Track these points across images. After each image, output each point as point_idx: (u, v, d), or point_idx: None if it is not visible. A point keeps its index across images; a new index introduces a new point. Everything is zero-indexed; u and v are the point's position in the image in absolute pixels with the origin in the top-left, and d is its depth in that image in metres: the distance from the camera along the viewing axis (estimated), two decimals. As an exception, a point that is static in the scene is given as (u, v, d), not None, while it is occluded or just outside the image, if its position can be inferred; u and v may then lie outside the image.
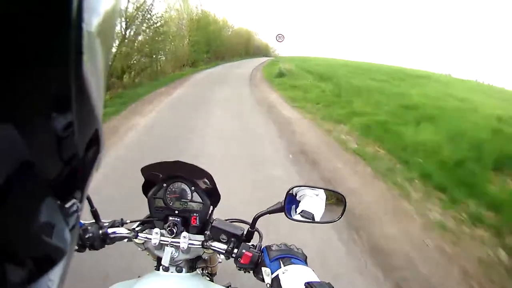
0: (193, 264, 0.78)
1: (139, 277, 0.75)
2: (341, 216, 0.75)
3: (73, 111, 0.15)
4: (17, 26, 0.12)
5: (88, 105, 0.16)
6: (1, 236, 0.14)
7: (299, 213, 0.75)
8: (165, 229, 0.73)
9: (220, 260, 0.81)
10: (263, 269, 0.65)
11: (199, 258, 0.78)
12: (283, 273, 0.61)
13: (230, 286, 0.89)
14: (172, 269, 0.74)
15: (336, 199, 0.78)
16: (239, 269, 0.69)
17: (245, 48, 39.62)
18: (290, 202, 0.75)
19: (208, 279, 0.89)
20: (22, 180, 0.14)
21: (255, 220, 0.73)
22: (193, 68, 17.48)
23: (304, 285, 0.55)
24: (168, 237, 0.72)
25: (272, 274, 0.63)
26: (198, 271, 0.82)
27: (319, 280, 0.57)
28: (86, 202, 0.47)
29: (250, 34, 45.34)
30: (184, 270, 0.74)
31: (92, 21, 0.15)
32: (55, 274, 0.17)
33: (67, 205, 0.18)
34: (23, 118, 0.13)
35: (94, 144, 0.19)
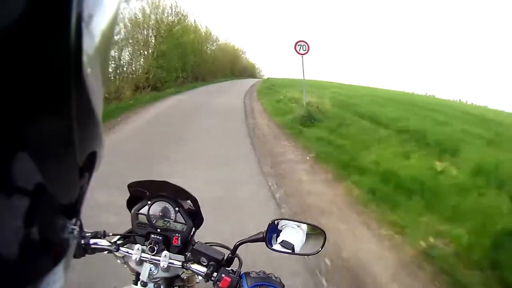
0: (171, 282, 0.83)
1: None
2: (321, 249, 0.81)
3: (72, 110, 0.16)
4: (16, 26, 0.13)
5: (87, 105, 0.17)
6: (1, 237, 0.15)
7: (279, 243, 0.81)
8: (146, 245, 0.78)
9: (198, 281, 0.82)
10: None
11: (177, 277, 0.84)
12: None
13: None
14: (150, 285, 0.79)
15: (316, 233, 0.84)
16: None
17: (230, 67, 36.22)
18: (271, 231, 0.82)
19: None
20: (21, 181, 0.15)
21: (235, 247, 0.80)
22: (156, 92, 12.17)
23: None
24: (149, 254, 0.78)
25: None
26: None
27: None
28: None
29: (236, 51, 42.03)
30: (162, 287, 0.80)
31: (92, 22, 0.16)
32: (55, 273, 0.19)
33: (67, 206, 0.19)
34: (22, 117, 0.14)
35: (94, 144, 0.20)
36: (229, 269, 0.76)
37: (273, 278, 0.72)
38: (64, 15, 0.14)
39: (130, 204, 0.85)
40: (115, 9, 0.19)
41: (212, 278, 0.75)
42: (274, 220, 0.81)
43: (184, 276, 0.82)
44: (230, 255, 0.79)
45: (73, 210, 0.20)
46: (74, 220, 0.20)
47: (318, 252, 0.81)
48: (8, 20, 0.12)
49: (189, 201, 0.82)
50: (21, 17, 0.13)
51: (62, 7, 0.14)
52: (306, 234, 0.83)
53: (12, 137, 0.14)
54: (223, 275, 0.73)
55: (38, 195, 0.16)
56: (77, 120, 0.16)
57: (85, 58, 0.15)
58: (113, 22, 0.19)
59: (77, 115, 0.16)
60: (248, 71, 46.35)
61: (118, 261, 0.83)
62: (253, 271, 0.74)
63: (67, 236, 0.19)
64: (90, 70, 0.16)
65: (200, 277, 0.77)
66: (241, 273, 0.75)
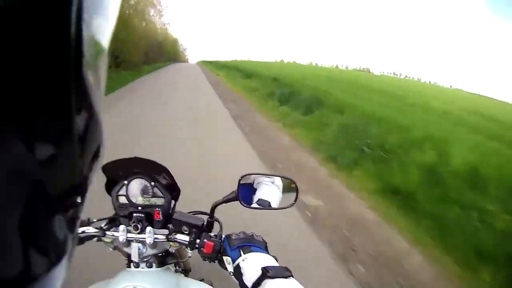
0: (163, 259, 0.86)
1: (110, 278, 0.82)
2: (295, 202, 0.87)
3: (72, 110, 0.16)
4: (15, 24, 0.13)
5: (87, 104, 0.18)
6: (0, 237, 0.15)
7: (256, 202, 0.86)
8: (130, 225, 0.80)
9: (190, 255, 0.85)
10: (225, 258, 0.74)
11: (168, 253, 0.87)
12: (243, 260, 0.69)
13: (203, 280, 0.96)
14: (143, 265, 0.82)
15: (289, 185, 0.90)
16: (203, 259, 0.79)
17: (157, 49, 30.56)
18: (247, 191, 0.86)
19: (183, 275, 0.96)
20: (20, 179, 0.15)
21: (212, 210, 0.83)
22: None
23: (261, 270, 0.64)
24: (134, 233, 0.80)
25: (233, 262, 0.71)
26: (171, 267, 0.92)
27: (278, 265, 0.66)
28: None
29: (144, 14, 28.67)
30: (154, 265, 0.83)
31: (92, 21, 0.16)
32: (54, 274, 0.19)
33: (67, 206, 0.19)
34: (21, 116, 0.14)
35: (94, 143, 0.20)
36: (210, 234, 0.79)
37: (255, 237, 0.76)
38: (63, 12, 0.14)
39: (108, 187, 0.85)
40: (116, 7, 0.20)
41: (196, 245, 0.78)
42: (243, 176, 0.84)
43: (172, 249, 0.86)
44: (209, 219, 0.83)
45: (73, 205, 0.20)
46: (74, 218, 0.20)
47: (292, 205, 0.87)
48: (6, 18, 0.13)
49: (163, 174, 0.83)
50: (19, 13, 0.13)
51: (61, 4, 0.14)
52: (281, 187, 0.89)
53: (11, 132, 0.14)
54: (205, 240, 0.76)
55: (36, 191, 0.16)
56: (77, 117, 0.16)
57: (85, 56, 0.16)
58: (114, 20, 0.20)
59: (77, 112, 0.16)
60: (166, 52, 40.83)
61: (109, 248, 0.84)
62: (233, 233, 0.77)
63: (67, 233, 0.19)
64: (90, 69, 0.16)
65: (189, 250, 0.81)
66: (223, 236, 0.79)
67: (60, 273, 0.19)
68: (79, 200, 0.20)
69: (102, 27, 0.18)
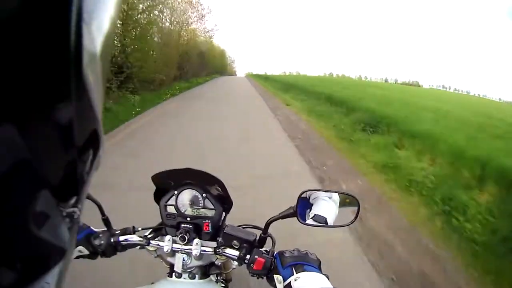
0: (206, 270, 0.84)
1: (152, 283, 0.80)
2: (355, 220, 0.81)
3: (72, 110, 0.16)
4: (17, 25, 0.13)
5: (87, 104, 0.18)
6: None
7: (311, 218, 0.82)
8: (177, 236, 0.79)
9: (234, 266, 0.82)
10: (275, 276, 0.70)
11: (212, 264, 0.85)
12: (295, 280, 0.66)
13: None
14: (185, 275, 0.80)
15: (349, 202, 0.85)
16: (252, 275, 0.76)
17: (198, 60, 25.33)
18: (303, 206, 0.81)
19: (223, 285, 0.94)
20: (19, 179, 0.15)
21: (267, 225, 0.80)
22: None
23: None
24: (180, 244, 0.79)
25: (284, 281, 0.68)
26: (212, 277, 0.89)
27: (332, 287, 0.63)
28: (97, 211, 0.77)
29: (196, 36, 27.18)
30: (197, 276, 0.81)
31: (92, 21, 0.16)
32: (52, 275, 0.19)
33: (66, 205, 0.19)
34: (22, 116, 0.14)
35: (94, 143, 0.20)
36: (262, 250, 0.76)
37: (309, 255, 0.72)
38: (64, 13, 0.14)
39: (157, 196, 0.85)
40: (116, 7, 0.20)
41: (246, 261, 0.75)
42: (304, 192, 0.80)
43: (218, 262, 0.83)
44: (262, 235, 0.80)
45: (73, 205, 0.20)
46: (74, 217, 0.20)
47: (352, 223, 0.81)
48: (7, 18, 0.13)
49: (216, 186, 0.82)
50: (20, 14, 0.13)
51: (62, 5, 0.14)
52: (339, 204, 0.84)
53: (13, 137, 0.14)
54: (256, 256, 0.74)
55: (35, 191, 0.16)
56: (76, 119, 0.16)
57: (85, 58, 0.16)
58: (114, 20, 0.20)
59: (77, 114, 0.16)
60: (213, 65, 37.29)
61: (152, 255, 0.83)
62: (287, 250, 0.74)
63: (66, 234, 0.19)
64: (90, 69, 0.16)
65: (235, 262, 0.78)
66: (275, 252, 0.75)
67: (59, 275, 0.19)
68: (78, 200, 0.20)
69: (102, 27, 0.18)
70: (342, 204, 0.85)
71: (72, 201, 0.19)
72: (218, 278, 0.99)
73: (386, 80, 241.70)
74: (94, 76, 0.17)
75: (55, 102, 0.15)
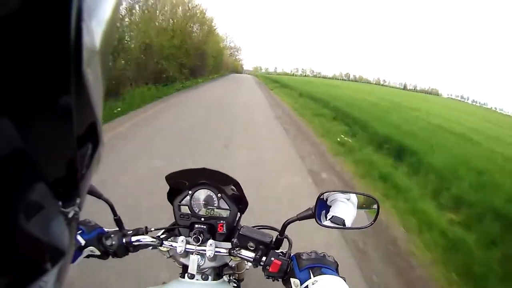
0: (219, 271, 0.85)
1: (164, 283, 0.82)
2: (374, 222, 0.81)
3: (72, 107, 0.17)
4: (17, 24, 0.13)
5: (87, 101, 0.18)
6: None
7: (329, 219, 0.81)
8: (190, 236, 0.79)
9: (248, 267, 0.84)
10: (292, 280, 0.70)
11: (225, 265, 0.85)
12: (313, 284, 0.66)
13: None
14: (198, 276, 0.80)
15: (368, 203, 0.85)
16: (267, 278, 0.76)
17: (214, 60, 31.41)
18: (320, 207, 0.82)
19: (235, 285, 0.96)
20: (17, 175, 0.15)
21: (284, 227, 0.79)
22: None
23: None
24: (194, 245, 0.79)
25: (301, 285, 0.68)
26: (225, 277, 0.90)
27: None
28: (108, 210, 0.78)
29: (220, 39, 36.09)
30: (210, 277, 0.81)
31: (92, 20, 0.17)
32: (52, 276, 0.19)
33: (65, 204, 0.20)
34: (22, 113, 0.15)
35: (93, 141, 0.21)
36: (278, 251, 0.77)
37: (326, 257, 0.72)
38: (64, 10, 0.15)
39: (171, 196, 0.86)
40: (115, 6, 0.20)
41: (261, 263, 0.75)
42: (322, 193, 0.80)
43: (232, 263, 0.83)
44: (278, 237, 0.80)
45: (73, 205, 0.20)
46: (73, 217, 0.20)
47: (371, 225, 0.81)
48: (8, 15, 0.13)
49: (231, 186, 0.83)
50: (21, 11, 0.13)
51: (61, 3, 0.14)
52: (358, 205, 0.83)
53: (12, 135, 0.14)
54: (272, 258, 0.74)
55: (35, 190, 0.16)
56: (76, 116, 0.17)
57: (85, 55, 0.16)
58: (114, 18, 0.20)
59: (77, 111, 0.17)
60: (229, 65, 39.92)
61: (164, 256, 0.84)
62: (304, 253, 0.74)
63: (66, 234, 0.19)
64: (90, 67, 0.17)
65: (249, 263, 0.78)
66: (292, 255, 0.75)
67: (58, 275, 0.19)
68: (77, 199, 0.20)
69: (102, 25, 0.18)
70: (362, 205, 0.84)
71: (72, 199, 0.20)
72: (231, 278, 1.00)
73: (404, 86, 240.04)
74: (93, 73, 0.18)
75: (54, 98, 0.16)
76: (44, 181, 0.17)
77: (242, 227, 0.80)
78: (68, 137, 0.17)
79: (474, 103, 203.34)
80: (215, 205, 0.84)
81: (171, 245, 0.80)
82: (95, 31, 0.17)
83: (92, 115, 0.19)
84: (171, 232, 0.85)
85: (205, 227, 0.82)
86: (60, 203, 0.19)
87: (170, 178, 0.84)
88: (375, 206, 0.81)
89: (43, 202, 0.17)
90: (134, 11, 12.72)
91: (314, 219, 0.77)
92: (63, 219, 0.19)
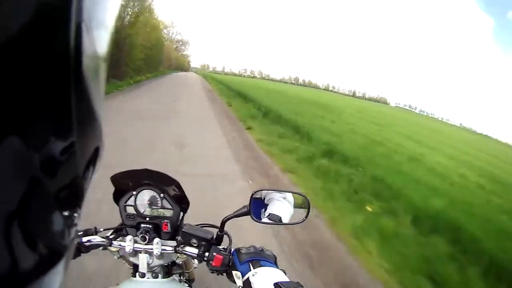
0: (168, 270, 0.90)
1: (117, 284, 0.85)
2: (306, 217, 0.91)
3: (72, 110, 0.17)
4: (17, 25, 0.13)
5: (87, 104, 0.18)
6: None
7: (267, 216, 0.89)
8: (138, 236, 0.83)
9: (195, 266, 0.88)
10: (234, 272, 0.76)
11: (174, 263, 0.91)
12: (253, 275, 0.72)
13: None
14: (148, 275, 0.85)
15: (301, 202, 0.94)
16: (211, 272, 0.81)
17: (148, 53, 23.50)
18: (258, 206, 0.90)
19: (187, 285, 0.99)
20: (17, 176, 0.15)
21: (223, 223, 0.87)
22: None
23: (274, 285, 0.65)
24: (141, 244, 0.83)
25: (243, 277, 0.74)
26: (175, 277, 0.94)
27: (289, 280, 0.68)
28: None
29: (159, 24, 27.16)
30: (160, 275, 0.87)
31: (92, 21, 0.17)
32: (51, 276, 0.19)
33: (65, 205, 0.20)
34: (21, 115, 0.15)
35: (93, 143, 0.21)
36: (220, 247, 0.83)
37: (264, 251, 0.79)
38: (63, 12, 0.15)
39: (117, 197, 0.89)
40: (115, 7, 0.21)
41: (205, 258, 0.81)
42: (256, 192, 0.88)
43: (179, 261, 0.89)
44: (218, 233, 0.87)
45: (73, 206, 0.20)
46: (73, 217, 0.21)
47: (303, 221, 0.91)
48: (6, 18, 0.13)
49: (173, 186, 0.87)
50: (20, 15, 0.13)
51: (61, 4, 0.15)
52: (294, 205, 0.93)
53: (11, 132, 0.15)
54: (214, 253, 0.80)
55: (35, 192, 0.17)
56: (77, 119, 0.17)
57: (84, 57, 0.16)
58: (113, 20, 0.21)
59: (77, 114, 0.17)
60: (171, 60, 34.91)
61: (114, 256, 0.87)
62: (243, 247, 0.80)
63: (65, 235, 0.20)
64: (90, 69, 0.17)
65: (195, 260, 0.84)
66: (232, 249, 0.82)
67: (56, 276, 0.19)
68: (78, 201, 0.21)
69: (102, 27, 0.19)
70: (296, 203, 0.94)
71: (71, 202, 0.20)
72: (181, 278, 1.04)
73: (354, 93, 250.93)
74: (93, 75, 0.18)
75: (54, 100, 0.16)
76: (44, 182, 0.17)
77: (185, 225, 0.86)
78: (68, 139, 0.18)
79: (421, 112, 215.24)
80: (158, 205, 0.88)
81: (120, 245, 0.83)
82: (95, 33, 0.17)
83: (93, 117, 0.19)
84: (119, 232, 0.88)
85: (150, 226, 0.85)
86: (60, 204, 0.19)
87: (115, 179, 0.86)
88: (306, 204, 0.91)
89: (43, 203, 0.17)
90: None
91: (250, 215, 0.85)
92: (62, 220, 0.19)
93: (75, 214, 0.21)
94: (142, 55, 20.40)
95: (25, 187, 0.15)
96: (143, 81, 19.67)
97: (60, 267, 0.19)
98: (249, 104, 13.36)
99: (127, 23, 17.57)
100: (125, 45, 17.08)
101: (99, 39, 0.18)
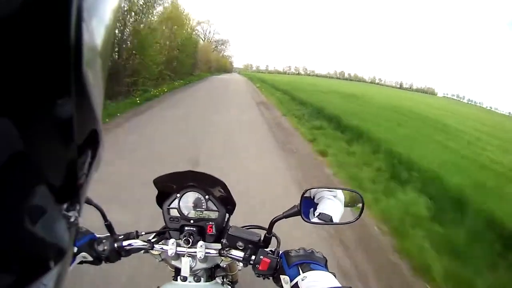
0: (211, 273, 0.88)
1: (158, 287, 0.84)
2: (360, 216, 0.84)
3: (72, 107, 0.17)
4: (18, 24, 0.13)
5: (87, 101, 0.18)
6: None
7: (317, 216, 0.83)
8: (181, 239, 0.82)
9: (240, 268, 0.85)
10: (282, 277, 0.72)
11: (217, 266, 0.88)
12: (302, 280, 0.68)
13: None
14: (190, 278, 0.83)
15: (354, 199, 0.87)
16: (257, 276, 0.78)
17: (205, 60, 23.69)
18: (307, 205, 0.84)
19: (230, 287, 0.97)
20: (17, 176, 0.15)
21: (271, 225, 0.82)
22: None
23: None
24: (185, 247, 0.81)
25: (291, 281, 0.70)
26: (218, 279, 0.92)
27: (340, 285, 0.64)
28: (99, 215, 0.81)
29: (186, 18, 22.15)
30: (202, 279, 0.84)
31: (92, 21, 0.17)
32: (51, 276, 0.19)
33: (65, 205, 0.20)
34: (21, 112, 0.15)
35: (93, 142, 0.21)
36: (267, 250, 0.79)
37: (314, 253, 0.74)
38: (64, 10, 0.15)
39: (160, 200, 0.89)
40: (116, 5, 0.21)
41: (251, 262, 0.78)
42: (306, 191, 0.82)
43: (223, 264, 0.86)
44: (266, 235, 0.82)
45: (72, 205, 0.20)
46: (73, 217, 0.20)
47: (357, 219, 0.83)
48: (8, 15, 0.13)
49: (218, 187, 0.85)
50: (21, 12, 0.14)
51: (62, 2, 0.15)
52: (344, 201, 0.86)
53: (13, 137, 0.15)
54: (261, 257, 0.76)
55: (35, 191, 0.17)
56: (76, 116, 0.17)
57: (85, 55, 0.16)
58: (114, 18, 0.21)
59: (77, 111, 0.17)
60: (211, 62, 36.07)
61: (156, 259, 0.86)
62: (292, 250, 0.76)
63: (66, 236, 0.20)
64: (90, 67, 0.17)
65: (240, 264, 0.80)
66: (280, 252, 0.77)
67: (58, 276, 0.19)
68: (77, 200, 0.21)
69: (102, 25, 0.19)
70: (348, 202, 0.86)
71: (71, 201, 0.20)
72: (224, 280, 1.02)
73: (400, 85, 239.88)
74: (94, 74, 0.18)
75: (54, 98, 0.16)
76: (44, 181, 0.17)
77: (230, 227, 0.83)
78: (68, 139, 0.18)
79: (469, 102, 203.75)
80: (203, 207, 0.86)
81: (162, 248, 0.82)
82: (95, 31, 0.18)
83: (93, 116, 0.19)
84: (162, 235, 0.87)
85: (194, 229, 0.84)
86: (60, 204, 0.19)
87: (158, 182, 0.85)
88: (359, 201, 0.84)
89: (43, 203, 0.17)
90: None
91: (300, 216, 0.79)
92: (62, 220, 0.19)
93: (75, 213, 0.20)
94: (162, 58, 14.89)
95: (23, 187, 0.16)
96: (160, 96, 12.19)
97: (60, 268, 0.19)
98: (357, 144, 6.22)
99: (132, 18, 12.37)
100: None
101: (99, 37, 0.18)
